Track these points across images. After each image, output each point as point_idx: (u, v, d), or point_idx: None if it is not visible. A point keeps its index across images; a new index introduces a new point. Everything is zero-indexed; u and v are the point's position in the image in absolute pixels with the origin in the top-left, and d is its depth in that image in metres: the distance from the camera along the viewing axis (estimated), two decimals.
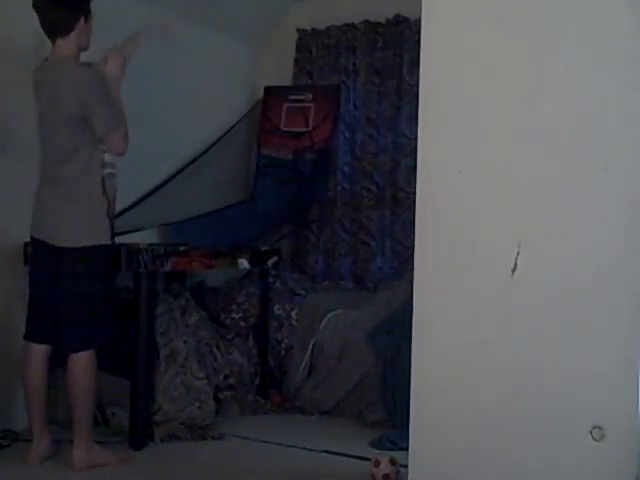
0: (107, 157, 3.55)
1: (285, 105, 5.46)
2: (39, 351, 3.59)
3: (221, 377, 4.55)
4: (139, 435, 3.87)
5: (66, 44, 3.48)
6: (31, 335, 3.62)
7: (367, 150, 5.36)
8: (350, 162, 5.41)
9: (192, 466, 3.68)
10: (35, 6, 3.47)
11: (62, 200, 3.50)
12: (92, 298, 3.53)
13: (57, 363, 3.66)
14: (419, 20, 2.64)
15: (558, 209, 2.43)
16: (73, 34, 3.48)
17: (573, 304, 2.40)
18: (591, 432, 2.35)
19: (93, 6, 3.57)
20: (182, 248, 4.15)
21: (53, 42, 3.50)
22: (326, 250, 5.45)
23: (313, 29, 5.55)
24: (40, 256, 3.60)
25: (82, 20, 3.50)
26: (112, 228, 3.58)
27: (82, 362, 3.51)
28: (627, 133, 2.35)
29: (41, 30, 3.50)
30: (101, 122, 3.45)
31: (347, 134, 5.41)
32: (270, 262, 4.80)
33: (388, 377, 4.31)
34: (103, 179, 3.52)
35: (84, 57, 3.58)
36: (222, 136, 5.32)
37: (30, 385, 3.58)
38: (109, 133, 3.47)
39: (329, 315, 4.78)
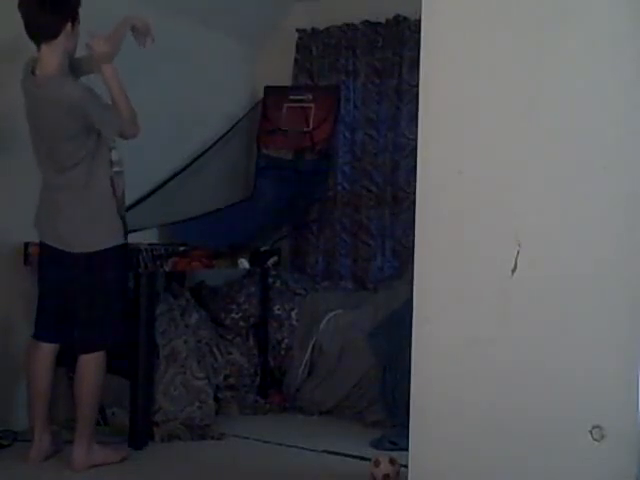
0: (114, 155, 3.54)
1: (285, 105, 5.45)
2: (47, 350, 3.58)
3: (221, 377, 4.55)
4: (139, 435, 3.87)
5: (52, 50, 3.36)
6: (40, 334, 3.60)
7: (367, 150, 5.36)
8: (350, 162, 5.41)
9: (192, 466, 3.69)
10: (20, 8, 3.35)
11: (72, 206, 3.48)
12: (107, 300, 3.54)
13: (60, 363, 3.66)
14: (419, 20, 2.63)
15: (558, 209, 2.43)
16: (59, 39, 3.36)
17: (573, 304, 2.40)
18: (591, 432, 2.35)
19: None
20: (182, 248, 4.16)
21: (38, 47, 3.37)
22: (326, 250, 5.44)
23: (313, 29, 5.55)
24: (51, 260, 3.58)
25: (69, 25, 3.38)
26: (125, 226, 3.58)
27: (92, 363, 3.52)
28: (627, 133, 2.35)
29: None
30: (109, 128, 3.44)
31: (347, 134, 5.40)
32: (270, 262, 4.80)
33: (388, 377, 4.31)
34: (111, 178, 3.51)
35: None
36: (222, 136, 5.32)
37: (36, 384, 3.58)
38: (117, 133, 3.48)
39: (329, 315, 4.78)
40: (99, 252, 3.49)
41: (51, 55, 3.37)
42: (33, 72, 3.43)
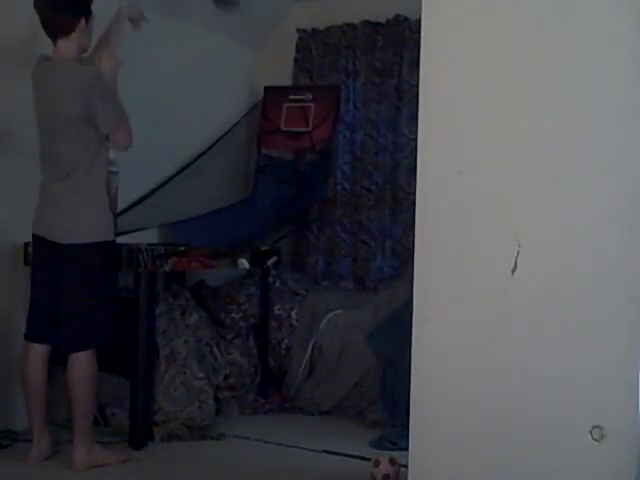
0: (110, 155, 3.57)
1: (285, 105, 5.45)
2: (39, 351, 3.59)
3: (221, 377, 4.55)
4: (139, 435, 3.87)
5: (67, 45, 3.50)
6: (31, 335, 3.62)
7: (367, 150, 5.36)
8: (350, 162, 5.41)
9: (192, 466, 3.69)
10: (36, 7, 3.48)
11: (64, 198, 3.50)
12: (93, 297, 3.54)
13: (57, 362, 3.66)
14: (419, 20, 2.63)
15: (558, 209, 2.43)
16: (74, 35, 3.50)
17: (573, 304, 2.40)
18: (591, 432, 2.35)
19: (93, 6, 3.58)
20: (182, 248, 4.16)
21: (54, 42, 3.51)
22: (326, 250, 5.44)
23: (313, 29, 5.55)
24: (41, 254, 3.60)
25: (83, 21, 3.52)
26: (115, 224, 3.60)
27: (82, 362, 3.51)
28: (627, 133, 2.35)
29: (39, 28, 3.50)
30: (105, 119, 3.47)
31: (347, 134, 5.40)
32: (270, 262, 4.80)
33: (388, 377, 4.31)
34: (106, 177, 3.54)
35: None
36: (222, 136, 5.32)
37: (30, 385, 3.59)
38: (114, 129, 3.50)
39: (329, 315, 4.78)
40: (87, 245, 3.50)
41: (67, 47, 3.52)
42: (48, 60, 3.55)
